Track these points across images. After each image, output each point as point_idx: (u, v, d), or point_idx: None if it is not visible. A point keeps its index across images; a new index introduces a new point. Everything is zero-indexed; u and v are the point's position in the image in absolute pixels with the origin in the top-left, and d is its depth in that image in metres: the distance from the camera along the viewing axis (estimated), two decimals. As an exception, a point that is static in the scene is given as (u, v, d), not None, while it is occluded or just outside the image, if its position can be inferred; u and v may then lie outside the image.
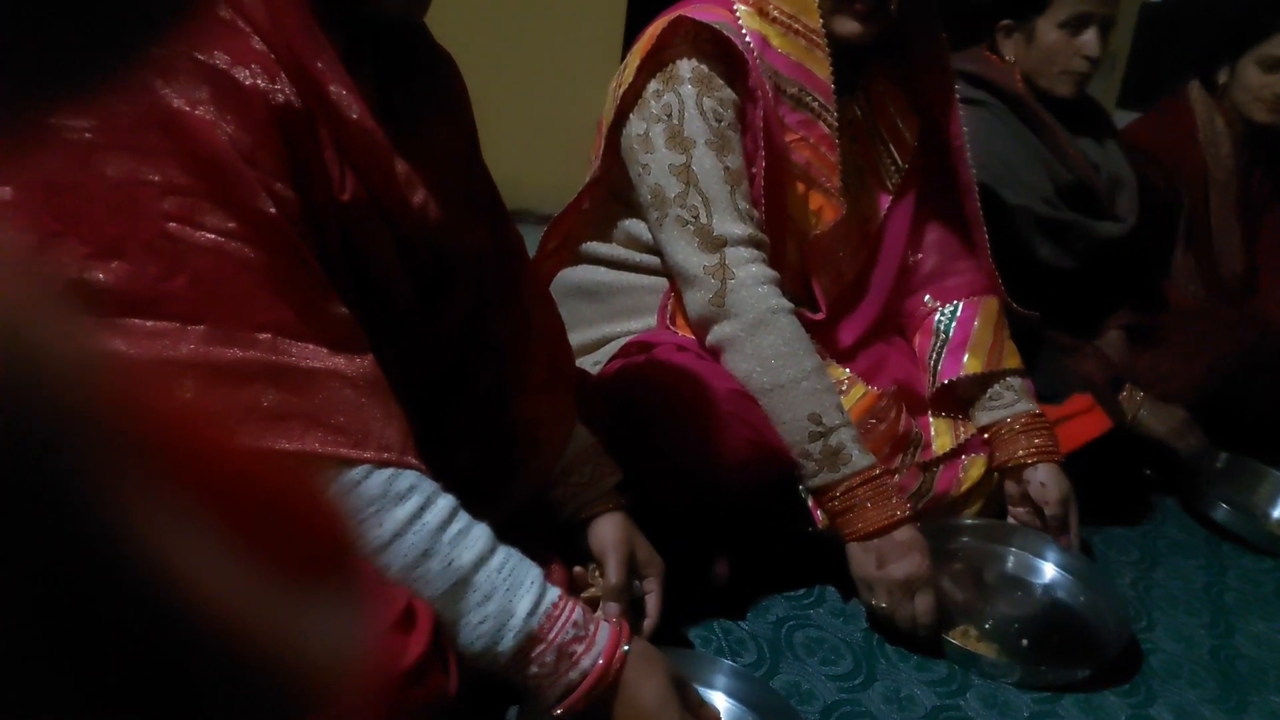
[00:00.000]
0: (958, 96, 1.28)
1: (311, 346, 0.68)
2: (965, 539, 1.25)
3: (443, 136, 0.85)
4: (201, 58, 0.63)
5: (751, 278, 1.10)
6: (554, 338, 1.02)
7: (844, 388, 1.22)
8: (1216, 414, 1.68)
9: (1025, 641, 1.14)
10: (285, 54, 0.68)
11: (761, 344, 1.09)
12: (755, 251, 1.12)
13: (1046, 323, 1.47)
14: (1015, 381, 1.30)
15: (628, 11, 2.83)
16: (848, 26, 1.14)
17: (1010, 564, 1.26)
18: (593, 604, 0.95)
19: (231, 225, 0.64)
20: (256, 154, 0.65)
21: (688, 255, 1.12)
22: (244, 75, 0.65)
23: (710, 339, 1.13)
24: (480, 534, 0.75)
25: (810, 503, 1.12)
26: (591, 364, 1.28)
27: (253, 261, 0.65)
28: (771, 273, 1.12)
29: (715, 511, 1.14)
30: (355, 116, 0.72)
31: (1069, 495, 1.24)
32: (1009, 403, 1.28)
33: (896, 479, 1.21)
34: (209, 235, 0.63)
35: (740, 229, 1.11)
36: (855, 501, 1.08)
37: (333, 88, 0.71)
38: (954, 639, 1.08)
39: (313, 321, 0.68)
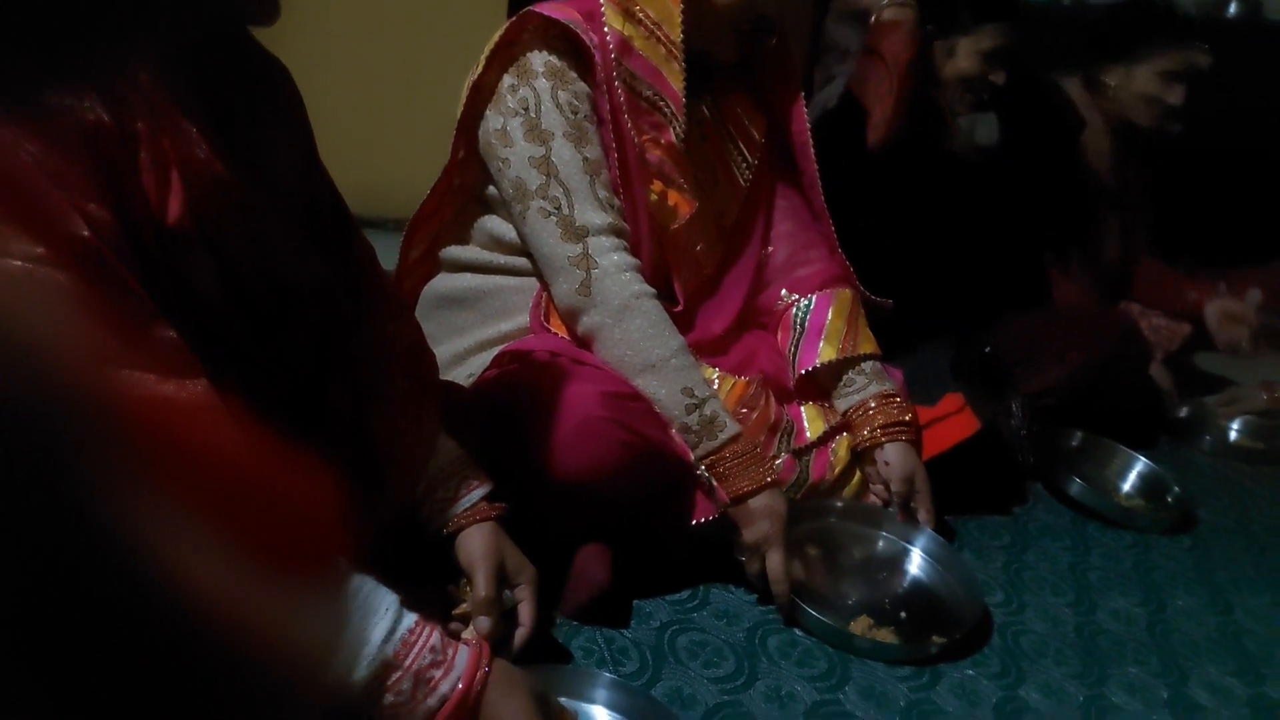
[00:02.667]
0: (801, 93, 1.32)
1: (137, 374, 0.64)
2: (833, 519, 1.28)
3: (276, 153, 0.82)
4: None
5: (614, 265, 1.13)
6: (412, 349, 0.99)
7: (714, 384, 1.23)
8: (1080, 404, 1.76)
9: (903, 614, 1.18)
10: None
11: (630, 328, 1.12)
12: (617, 240, 1.14)
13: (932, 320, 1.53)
14: (867, 366, 1.32)
15: (508, 12, 2.81)
16: (728, 52, 1.19)
17: (878, 546, 1.29)
18: (465, 619, 0.93)
19: (40, 250, 0.59)
20: (65, 174, 0.61)
21: (552, 246, 1.13)
22: (48, 95, 0.61)
23: (580, 328, 1.15)
24: (386, 600, 0.72)
25: (696, 495, 1.14)
26: (466, 376, 1.26)
27: (65, 287, 0.60)
28: (633, 260, 1.15)
29: (594, 517, 1.13)
30: (176, 136, 0.68)
31: (913, 473, 1.28)
32: (861, 386, 1.31)
33: (777, 464, 1.24)
34: (15, 262, 0.59)
35: (601, 218, 1.13)
36: (725, 464, 1.12)
37: (150, 105, 0.67)
38: (855, 629, 1.12)
39: (136, 348, 0.64)
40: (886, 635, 1.12)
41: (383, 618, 0.72)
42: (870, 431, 1.28)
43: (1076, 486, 1.56)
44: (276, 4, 0.75)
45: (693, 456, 1.13)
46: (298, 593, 0.23)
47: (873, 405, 1.30)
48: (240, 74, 0.81)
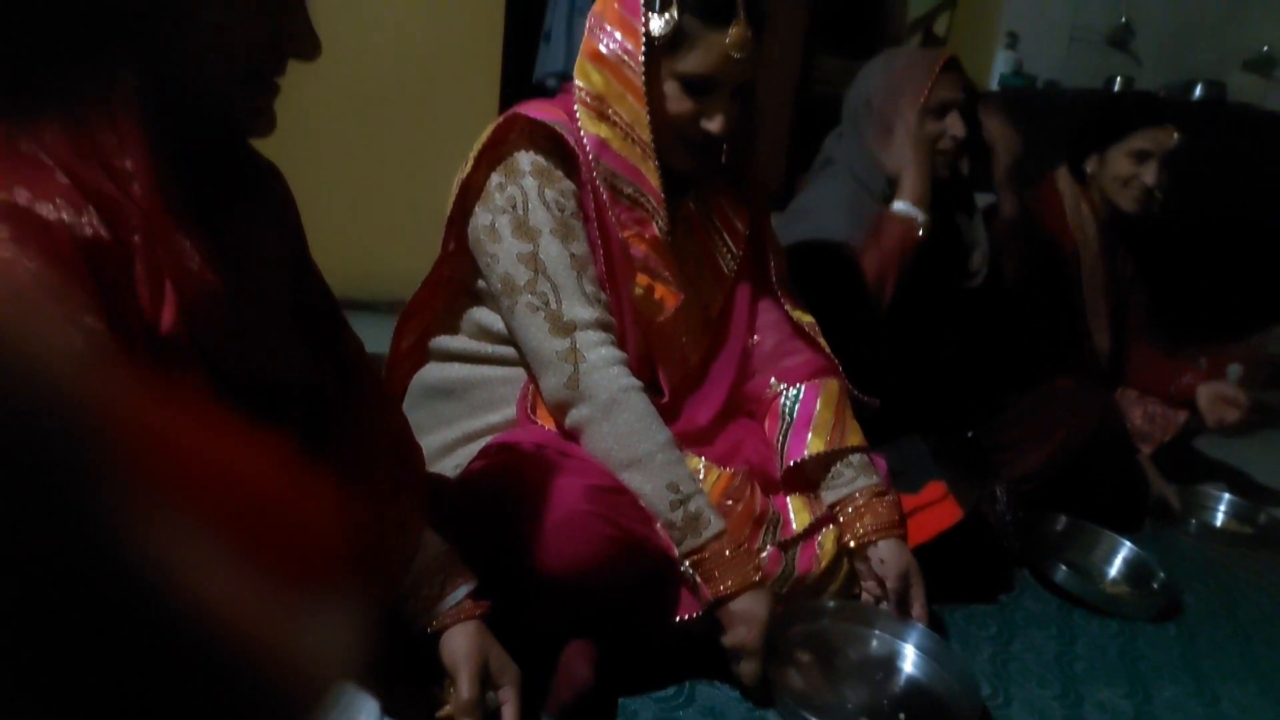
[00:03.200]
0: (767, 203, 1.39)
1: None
2: (826, 621, 1.27)
3: (267, 254, 0.84)
4: (1, 196, 0.61)
5: (602, 360, 1.14)
6: (398, 443, 1.00)
7: (700, 474, 1.24)
8: (1061, 485, 1.78)
9: (902, 715, 1.16)
10: (92, 186, 0.66)
11: (617, 422, 1.13)
12: (604, 334, 1.15)
13: (918, 415, 1.55)
14: (855, 458, 1.33)
15: (499, 112, 2.90)
16: (682, 161, 1.22)
17: (873, 645, 1.27)
18: (448, 722, 0.93)
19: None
20: (64, 289, 0.63)
21: (540, 341, 1.14)
22: (48, 210, 0.63)
23: (568, 422, 1.16)
24: (368, 706, 0.73)
25: (681, 590, 1.14)
26: (453, 467, 1.27)
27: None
28: (620, 354, 1.16)
29: (579, 610, 1.13)
30: (170, 248, 0.70)
31: (908, 570, 1.28)
32: (849, 479, 1.32)
33: (763, 556, 1.24)
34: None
35: (588, 313, 1.14)
36: (710, 564, 1.12)
37: (145, 217, 0.69)
38: None
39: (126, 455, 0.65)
40: None
41: None
42: (861, 528, 1.29)
43: (1062, 574, 1.57)
44: (272, 118, 0.78)
45: (677, 552, 1.13)
46: (300, 600, 0.24)
47: (861, 500, 1.30)
48: (234, 178, 0.84)
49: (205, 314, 0.75)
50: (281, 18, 0.74)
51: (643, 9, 1.14)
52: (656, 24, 1.14)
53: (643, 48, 1.14)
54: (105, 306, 0.67)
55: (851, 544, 1.29)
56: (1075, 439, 1.81)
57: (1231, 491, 2.14)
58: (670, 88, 1.17)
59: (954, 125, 1.64)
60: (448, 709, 0.93)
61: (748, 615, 1.11)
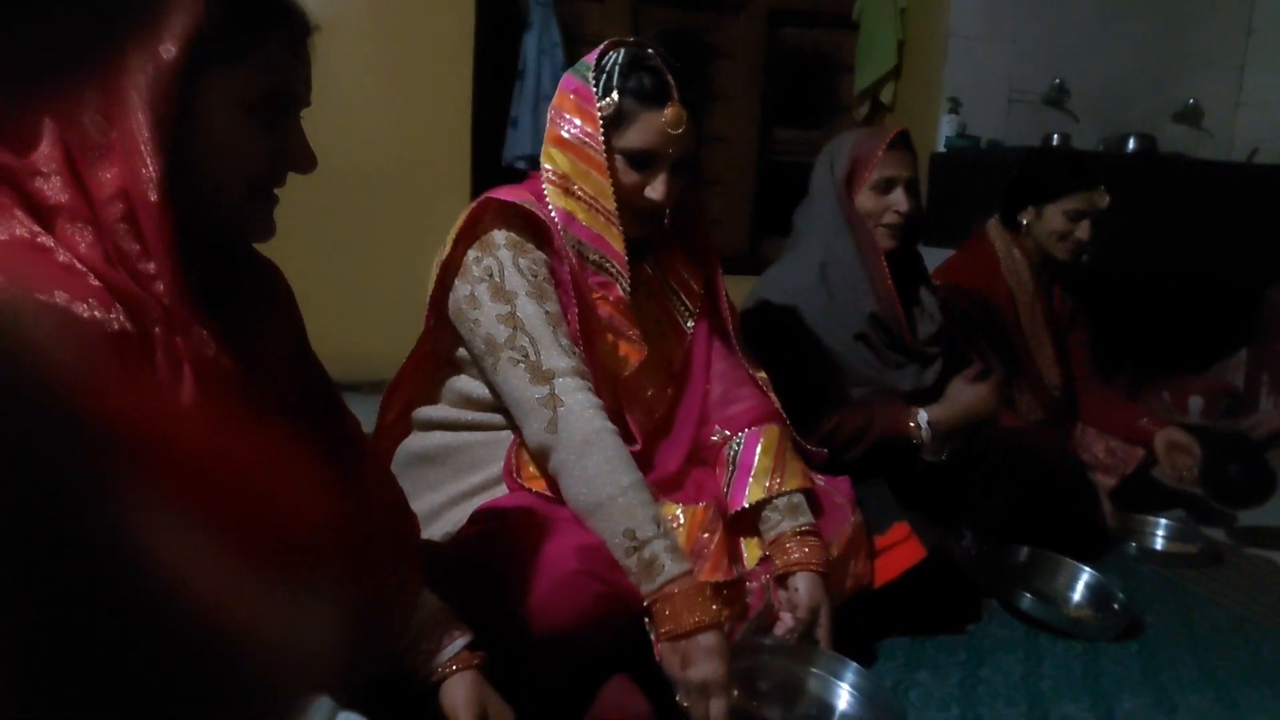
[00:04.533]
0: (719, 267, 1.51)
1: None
2: (764, 657, 1.30)
3: (270, 344, 0.94)
4: (42, 298, 0.71)
5: (579, 404, 1.20)
6: (395, 512, 1.08)
7: (679, 519, 1.31)
8: (1022, 518, 1.87)
9: None
10: (119, 287, 0.76)
11: (588, 464, 1.18)
12: (581, 381, 1.23)
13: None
14: (783, 502, 1.39)
15: (470, 196, 3.03)
16: (632, 227, 1.35)
17: (809, 683, 1.30)
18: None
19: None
20: (96, 374, 0.72)
21: (521, 390, 1.22)
22: (82, 309, 0.72)
23: (550, 467, 1.21)
24: (323, 703, 0.79)
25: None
26: (441, 533, 1.34)
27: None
28: (597, 400, 1.23)
29: (572, 664, 1.19)
30: (188, 337, 0.80)
31: (818, 605, 1.32)
32: (775, 523, 1.39)
33: (753, 587, 1.33)
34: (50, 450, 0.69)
35: (565, 361, 1.22)
36: (668, 605, 1.14)
37: (165, 311, 0.79)
38: None
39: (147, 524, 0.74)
40: None
41: None
42: (781, 561, 1.35)
43: (1027, 601, 1.65)
44: (272, 224, 0.89)
45: (641, 593, 1.15)
46: (290, 592, 0.25)
47: (787, 540, 1.36)
48: (241, 277, 0.94)
49: (220, 396, 0.84)
50: (282, 138, 0.85)
51: (595, 95, 1.30)
52: (602, 108, 1.30)
53: (600, 129, 1.29)
54: (130, 390, 0.76)
55: (773, 575, 1.36)
56: (1035, 475, 1.91)
57: (1185, 518, 2.24)
58: (617, 162, 1.31)
59: (898, 201, 1.77)
60: (449, 755, 0.99)
61: (711, 651, 1.13)
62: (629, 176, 1.32)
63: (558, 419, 1.19)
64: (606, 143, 1.30)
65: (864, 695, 1.28)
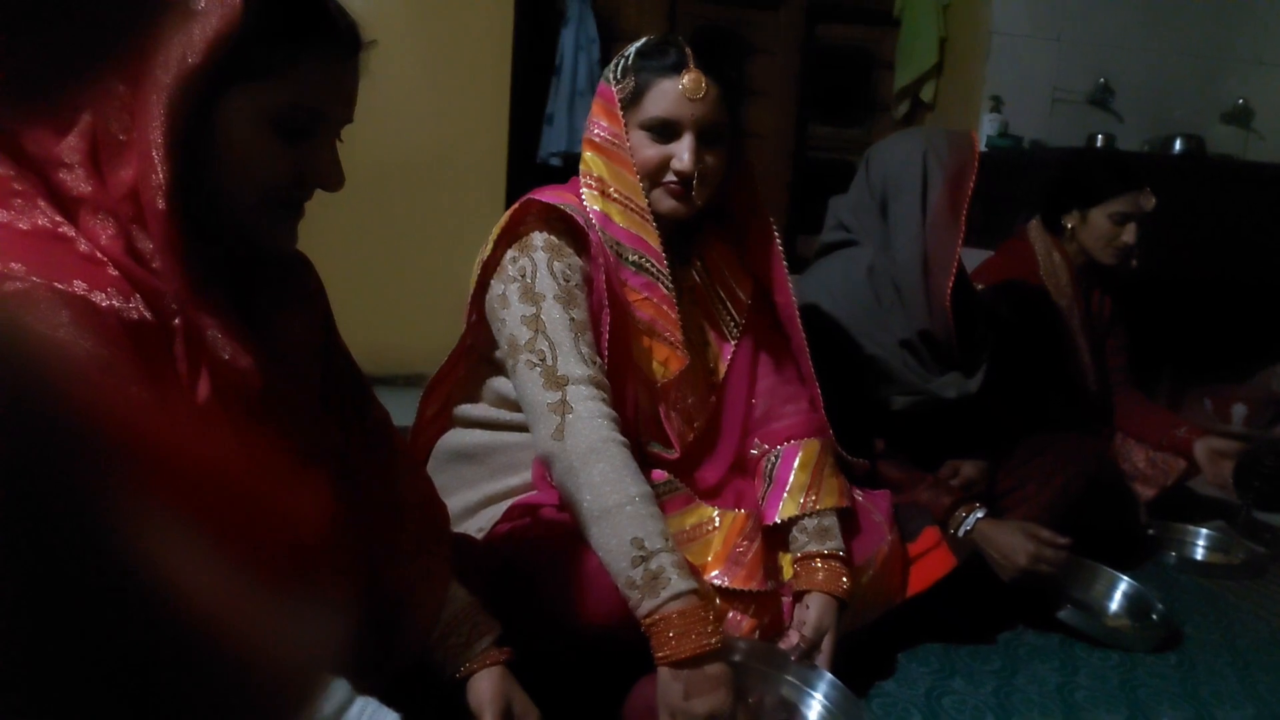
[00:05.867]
0: (784, 265, 1.45)
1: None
2: (738, 658, 1.21)
3: (297, 338, 0.94)
4: (61, 286, 0.71)
5: (589, 412, 1.16)
6: (425, 504, 1.09)
7: (715, 522, 1.30)
8: (1060, 526, 1.84)
9: None
10: (139, 278, 0.76)
11: (593, 472, 1.13)
12: (596, 390, 1.19)
13: (887, 456, 1.62)
14: (810, 523, 1.36)
15: (506, 191, 3.04)
16: (665, 204, 1.32)
17: (781, 689, 1.25)
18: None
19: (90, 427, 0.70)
20: (114, 363, 0.73)
21: (534, 394, 1.19)
22: (100, 298, 0.73)
23: (554, 476, 1.17)
24: (340, 686, 0.81)
25: None
26: (476, 529, 1.34)
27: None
28: (610, 410, 1.19)
29: (601, 663, 1.19)
30: (207, 333, 0.80)
31: (825, 630, 1.29)
32: (801, 545, 1.36)
33: (786, 601, 1.31)
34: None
35: (581, 370, 1.19)
36: (670, 627, 1.07)
37: (188, 307, 0.79)
38: None
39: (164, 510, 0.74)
40: None
41: None
42: (801, 582, 1.33)
43: (1064, 610, 1.62)
44: (293, 237, 0.90)
45: (639, 613, 1.08)
46: (286, 599, 0.25)
47: (813, 560, 1.34)
48: (264, 272, 0.94)
49: (238, 392, 0.84)
50: (308, 154, 0.85)
51: (615, 92, 1.30)
52: (619, 91, 1.30)
53: (624, 126, 1.30)
54: (148, 379, 0.77)
55: (794, 591, 1.34)
56: (1074, 483, 1.87)
57: (1226, 528, 2.19)
58: (639, 138, 1.31)
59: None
60: (474, 751, 1.00)
61: (721, 678, 1.08)
62: (651, 150, 1.30)
63: (565, 425, 1.16)
64: (628, 130, 1.30)
65: (837, 709, 1.22)
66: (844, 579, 1.33)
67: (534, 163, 3.26)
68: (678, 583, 1.08)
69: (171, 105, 0.74)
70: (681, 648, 1.06)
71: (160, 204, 0.75)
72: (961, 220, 1.65)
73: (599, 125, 1.33)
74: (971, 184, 1.66)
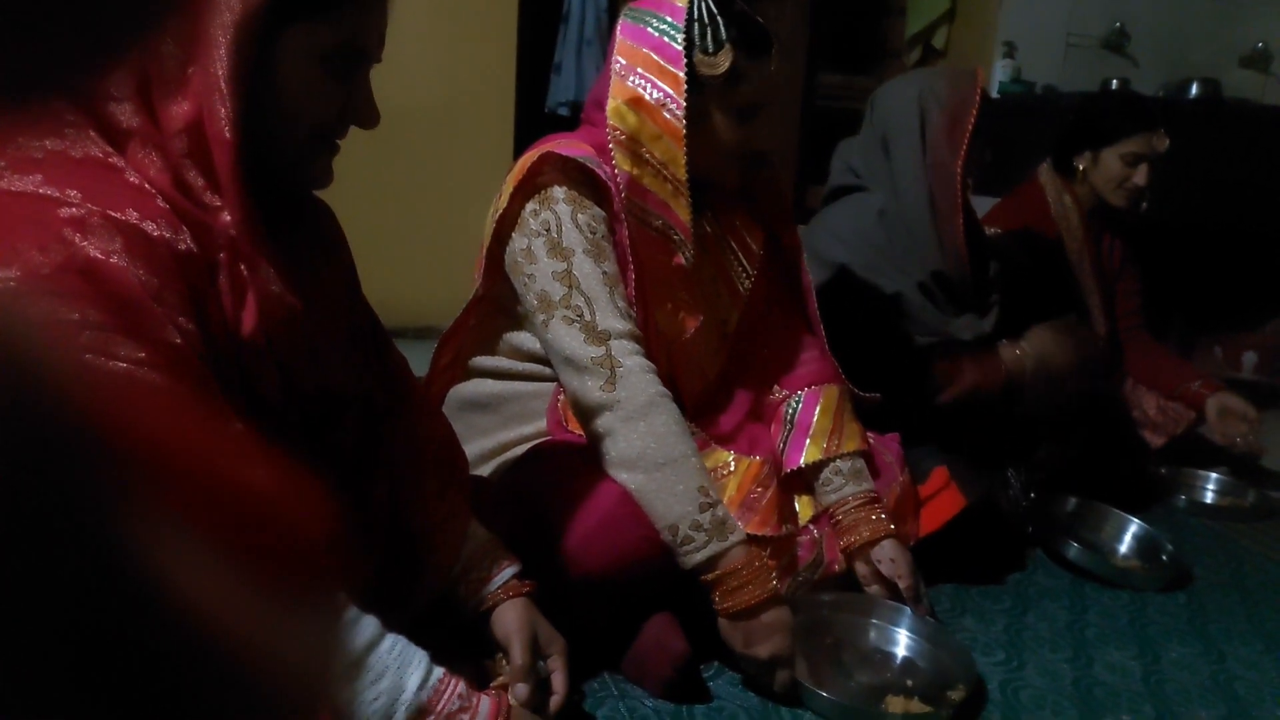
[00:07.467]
0: (791, 213, 1.46)
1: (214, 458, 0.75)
2: (825, 612, 1.34)
3: (326, 281, 0.95)
4: (115, 214, 0.72)
5: (638, 366, 1.18)
6: (444, 446, 1.10)
7: (730, 466, 1.32)
8: (1071, 470, 1.85)
9: (910, 682, 1.24)
10: (186, 211, 0.77)
11: (655, 423, 1.16)
12: (636, 344, 1.21)
13: (902, 397, 1.62)
14: (846, 465, 1.40)
15: (514, 142, 3.02)
16: (732, 181, 1.33)
17: (871, 633, 1.34)
18: (504, 690, 1.02)
19: (142, 355, 0.72)
20: (163, 293, 0.74)
21: (575, 349, 1.18)
22: (151, 228, 0.74)
23: (601, 424, 1.18)
24: (370, 623, 0.83)
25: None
26: (489, 473, 1.36)
27: (160, 386, 0.72)
28: (651, 364, 1.21)
29: (614, 602, 1.21)
30: (254, 270, 0.81)
31: (914, 565, 1.35)
32: (838, 486, 1.39)
33: (802, 540, 1.33)
34: (121, 365, 0.71)
35: (621, 324, 1.20)
36: (736, 576, 1.13)
37: (230, 241, 0.80)
38: (893, 708, 1.17)
39: (214, 437, 0.76)
40: (918, 706, 1.18)
41: (417, 668, 0.84)
42: (858, 535, 1.36)
43: (1074, 550, 1.64)
44: (331, 173, 0.91)
45: (698, 558, 1.13)
46: (292, 609, 0.25)
47: (853, 506, 1.37)
48: (299, 218, 0.95)
49: (282, 328, 0.85)
50: (350, 93, 0.87)
51: (683, 56, 1.22)
52: (713, 65, 1.23)
53: (684, 92, 1.22)
54: (195, 311, 0.78)
55: (854, 545, 1.36)
56: (1084, 428, 1.88)
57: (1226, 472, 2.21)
58: (722, 120, 1.27)
59: (983, 153, 1.70)
60: (502, 679, 1.02)
61: (778, 625, 1.15)
62: (736, 133, 1.28)
63: (616, 378, 1.17)
64: (703, 104, 1.25)
65: (925, 639, 1.31)
66: (888, 517, 1.37)
67: (542, 113, 3.24)
68: (740, 531, 1.15)
69: (236, 42, 0.75)
70: (742, 598, 1.13)
71: (228, 134, 0.76)
72: (961, 156, 1.65)
73: (646, 79, 1.24)
74: (972, 120, 1.65)
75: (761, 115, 1.30)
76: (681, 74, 1.22)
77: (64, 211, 0.70)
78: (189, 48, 0.75)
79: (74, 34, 0.74)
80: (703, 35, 1.23)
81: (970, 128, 1.65)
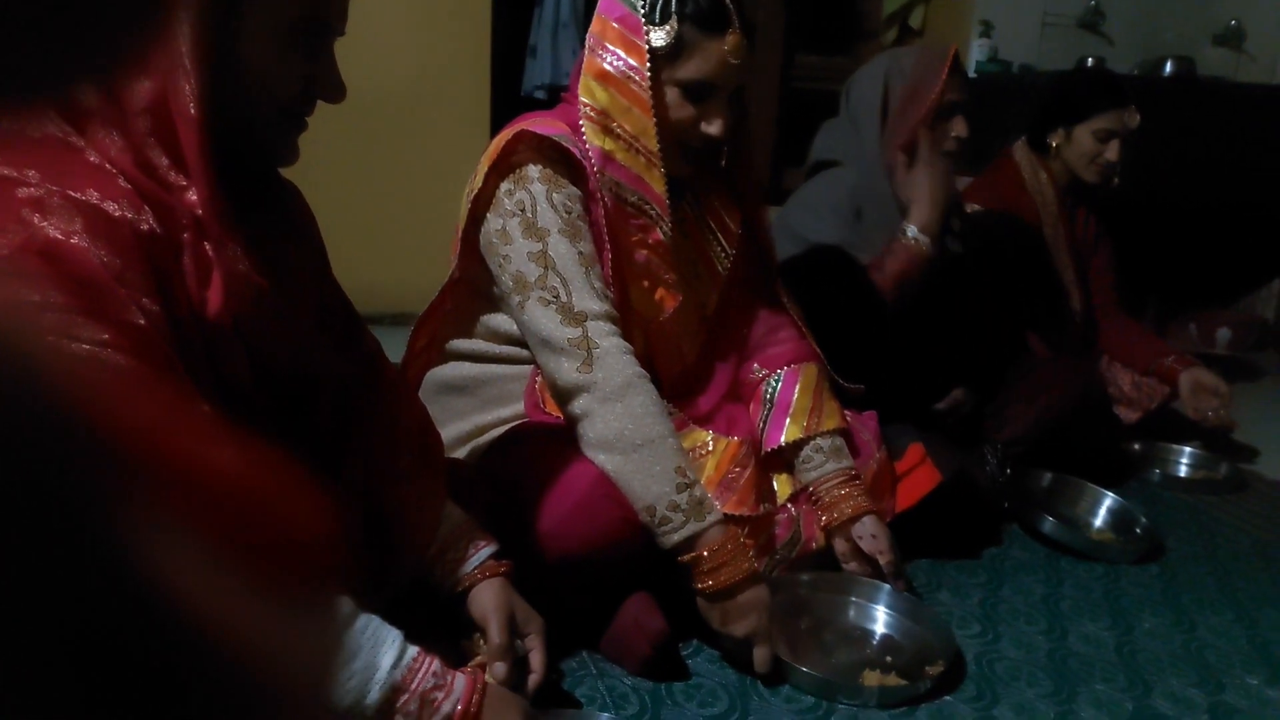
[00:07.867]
0: (764, 203, 1.47)
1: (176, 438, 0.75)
2: (803, 591, 1.35)
3: (294, 262, 0.94)
4: (75, 195, 0.71)
5: (615, 347, 1.18)
6: (418, 428, 1.10)
7: (709, 446, 1.32)
8: (1045, 445, 1.87)
9: (889, 658, 1.25)
10: (148, 192, 0.76)
11: (632, 404, 1.15)
12: (613, 326, 1.20)
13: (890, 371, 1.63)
14: (824, 443, 1.41)
15: (490, 126, 3.00)
16: (683, 167, 1.30)
17: (851, 612, 1.35)
18: (482, 670, 1.02)
19: (105, 336, 0.71)
20: (126, 274, 0.73)
21: (551, 330, 1.18)
22: (113, 208, 0.73)
23: (578, 406, 1.18)
24: (344, 603, 0.82)
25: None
26: (466, 456, 1.36)
27: (124, 367, 0.72)
28: (628, 345, 1.20)
29: (591, 583, 1.21)
30: (220, 249, 0.80)
31: (894, 541, 1.37)
32: (818, 464, 1.40)
33: (780, 519, 1.34)
34: (85, 346, 0.70)
35: (598, 305, 1.19)
36: (714, 556, 1.13)
37: (195, 221, 0.79)
38: (868, 681, 1.19)
39: (181, 420, 0.75)
40: (894, 680, 1.20)
41: (391, 647, 0.83)
42: (839, 512, 1.37)
43: (1049, 524, 1.66)
44: (297, 150, 0.90)
45: (676, 539, 1.13)
46: (291, 608, 0.25)
47: (834, 483, 1.38)
48: (265, 198, 0.94)
49: (250, 308, 0.85)
50: (315, 66, 0.86)
51: (643, 25, 1.22)
52: (658, 36, 1.21)
53: (647, 62, 1.21)
54: (159, 292, 0.77)
55: (835, 523, 1.38)
56: (1060, 404, 1.89)
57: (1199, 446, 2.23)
58: (671, 95, 1.24)
59: (959, 126, 1.70)
60: (480, 658, 1.02)
61: (756, 603, 1.15)
62: (684, 110, 1.25)
63: (593, 359, 1.16)
64: (655, 75, 1.22)
65: (905, 614, 1.32)
66: (868, 495, 1.39)
67: (518, 96, 3.22)
68: (717, 510, 1.16)
69: (201, 15, 0.74)
70: (719, 580, 1.14)
71: (193, 111, 0.75)
72: (913, 128, 1.66)
73: (612, 53, 1.24)
74: (935, 94, 1.66)
75: (724, 102, 1.26)
76: (643, 44, 1.21)
77: (22, 192, 0.69)
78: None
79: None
80: (648, 4, 1.22)
81: (933, 102, 1.66)
